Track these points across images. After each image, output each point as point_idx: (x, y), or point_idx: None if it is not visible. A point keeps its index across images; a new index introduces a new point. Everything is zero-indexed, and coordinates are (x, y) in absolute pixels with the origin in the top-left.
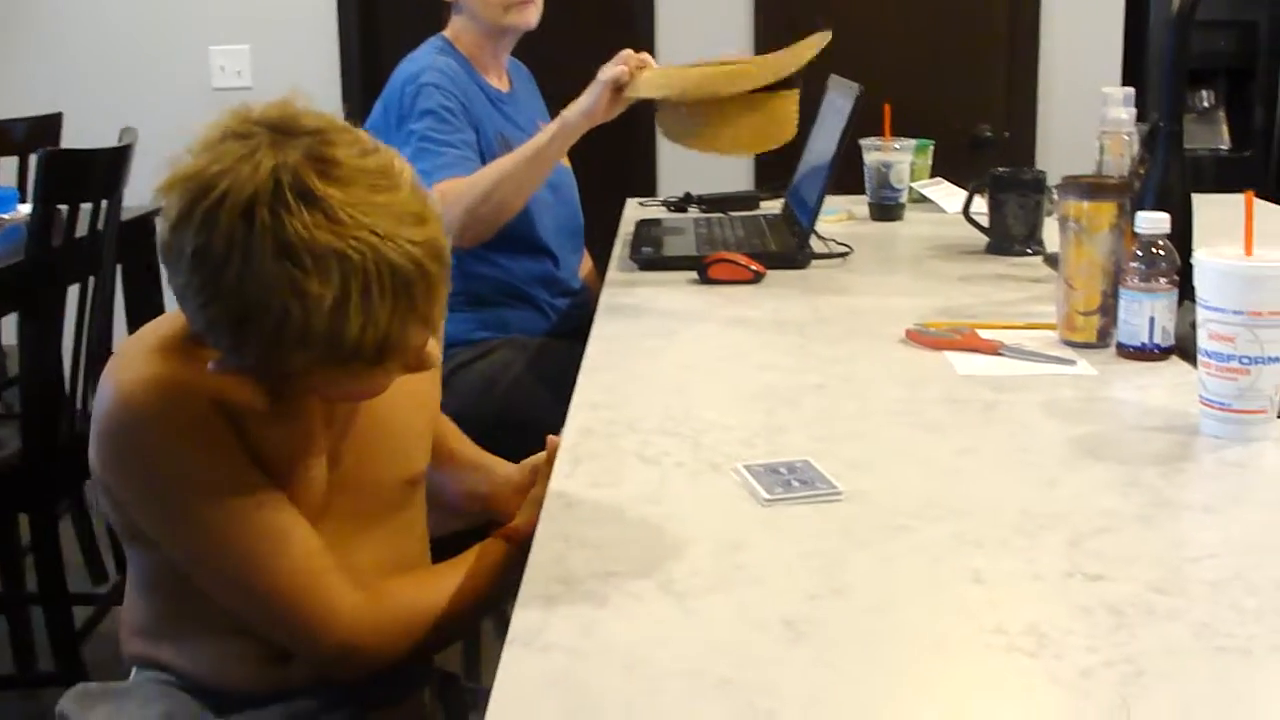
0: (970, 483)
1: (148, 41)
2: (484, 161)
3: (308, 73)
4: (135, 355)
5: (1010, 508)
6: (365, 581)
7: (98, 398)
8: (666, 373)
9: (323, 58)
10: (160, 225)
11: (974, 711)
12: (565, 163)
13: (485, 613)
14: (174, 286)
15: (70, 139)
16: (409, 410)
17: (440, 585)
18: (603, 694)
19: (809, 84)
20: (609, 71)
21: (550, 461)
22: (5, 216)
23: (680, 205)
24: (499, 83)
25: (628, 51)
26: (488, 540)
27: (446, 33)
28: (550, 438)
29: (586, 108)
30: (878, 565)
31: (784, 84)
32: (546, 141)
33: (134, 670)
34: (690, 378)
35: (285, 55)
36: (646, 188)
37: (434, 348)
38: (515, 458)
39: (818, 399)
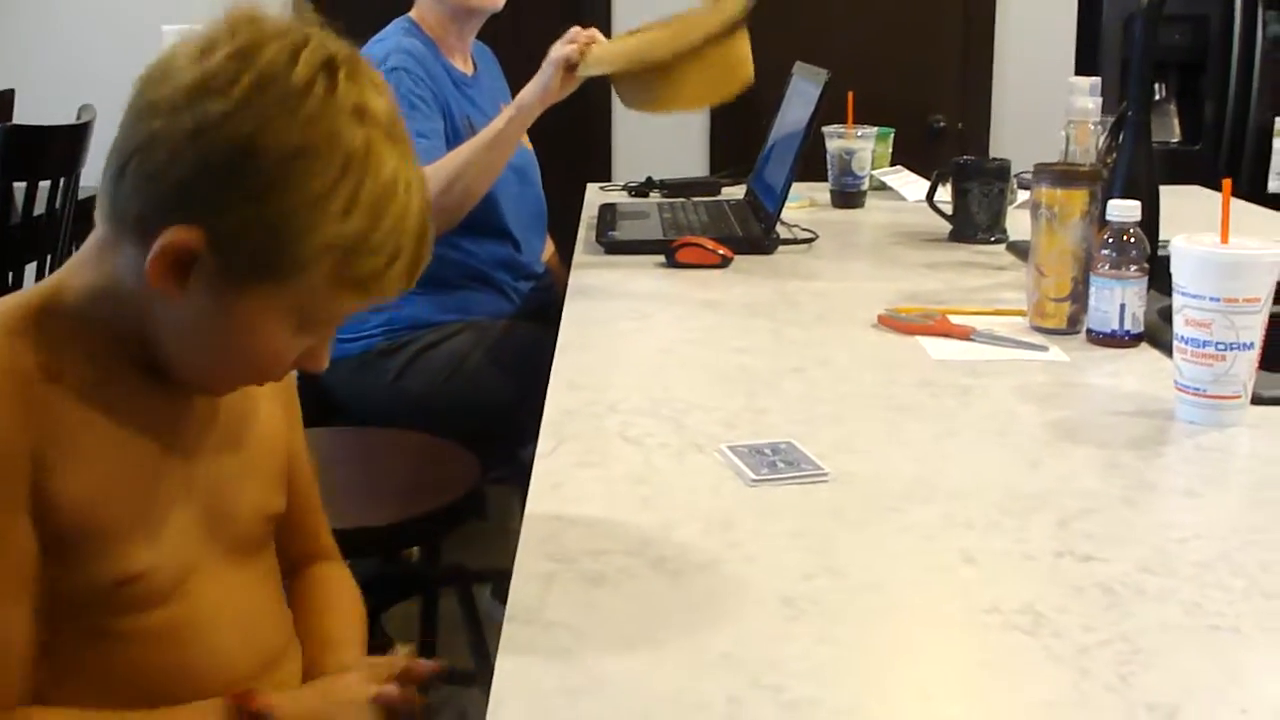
0: (954, 465)
1: (101, 21)
2: (450, 146)
3: None
4: None
5: (996, 489)
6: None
7: None
8: (642, 354)
9: None
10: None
11: (982, 687)
12: (528, 145)
13: None
14: (160, 139)
15: (24, 115)
16: (265, 443)
17: None
18: (607, 671)
19: (774, 71)
20: (559, 51)
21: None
22: None
23: (642, 190)
24: (464, 66)
25: (576, 29)
26: (207, 704)
27: (412, 14)
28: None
29: (540, 89)
30: (870, 546)
31: (730, 28)
32: (503, 126)
33: None
34: (666, 360)
35: None
36: (602, 172)
37: (326, 355)
38: (476, 440)
39: (796, 382)
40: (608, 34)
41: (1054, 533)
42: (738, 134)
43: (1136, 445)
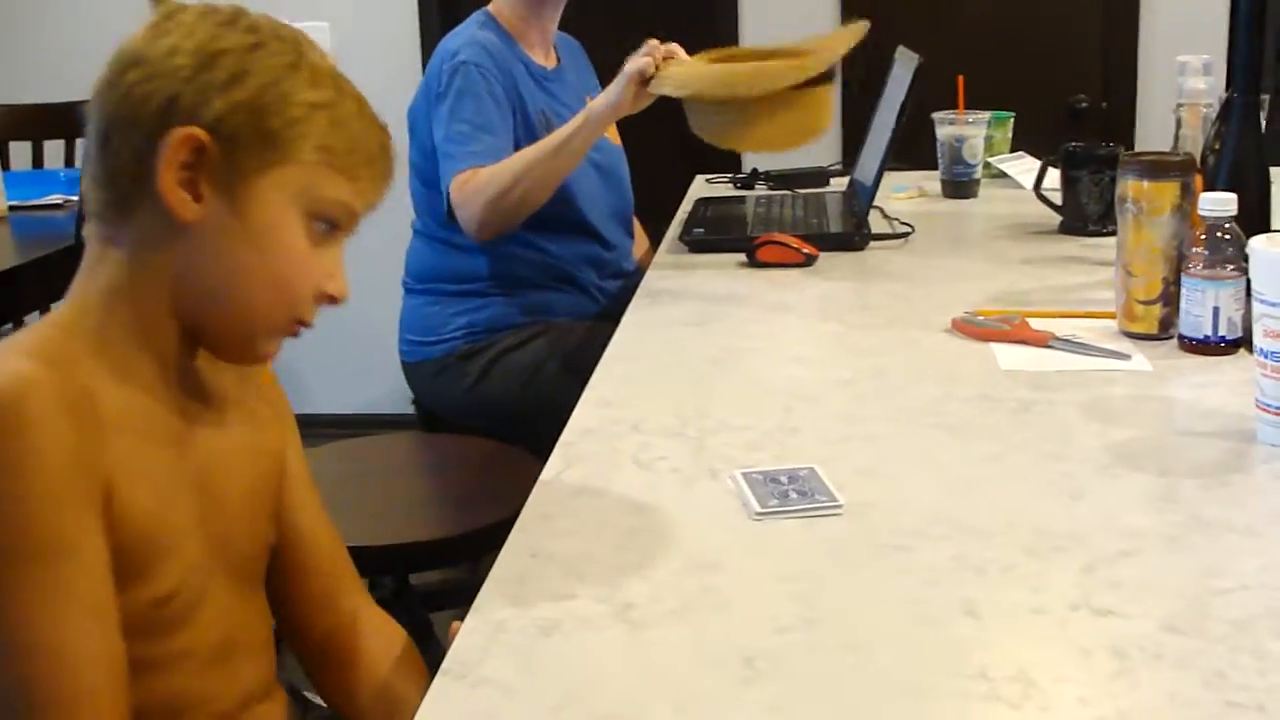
0: (985, 495)
1: None
2: (523, 143)
3: (388, 49)
4: (10, 353)
5: (1024, 526)
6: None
7: None
8: (688, 365)
9: (403, 34)
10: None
11: None
12: (616, 141)
13: None
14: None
15: None
16: (256, 472)
17: None
18: None
19: (880, 56)
20: (634, 63)
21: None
22: (58, 199)
23: (747, 182)
24: (544, 59)
25: (653, 42)
26: None
27: (490, 7)
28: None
29: (612, 100)
30: (861, 592)
31: (816, 78)
32: (570, 134)
33: None
34: (711, 371)
35: (365, 32)
36: (731, 160)
37: (343, 278)
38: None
39: (841, 396)
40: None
41: (1076, 580)
42: (868, 122)
43: (1202, 472)
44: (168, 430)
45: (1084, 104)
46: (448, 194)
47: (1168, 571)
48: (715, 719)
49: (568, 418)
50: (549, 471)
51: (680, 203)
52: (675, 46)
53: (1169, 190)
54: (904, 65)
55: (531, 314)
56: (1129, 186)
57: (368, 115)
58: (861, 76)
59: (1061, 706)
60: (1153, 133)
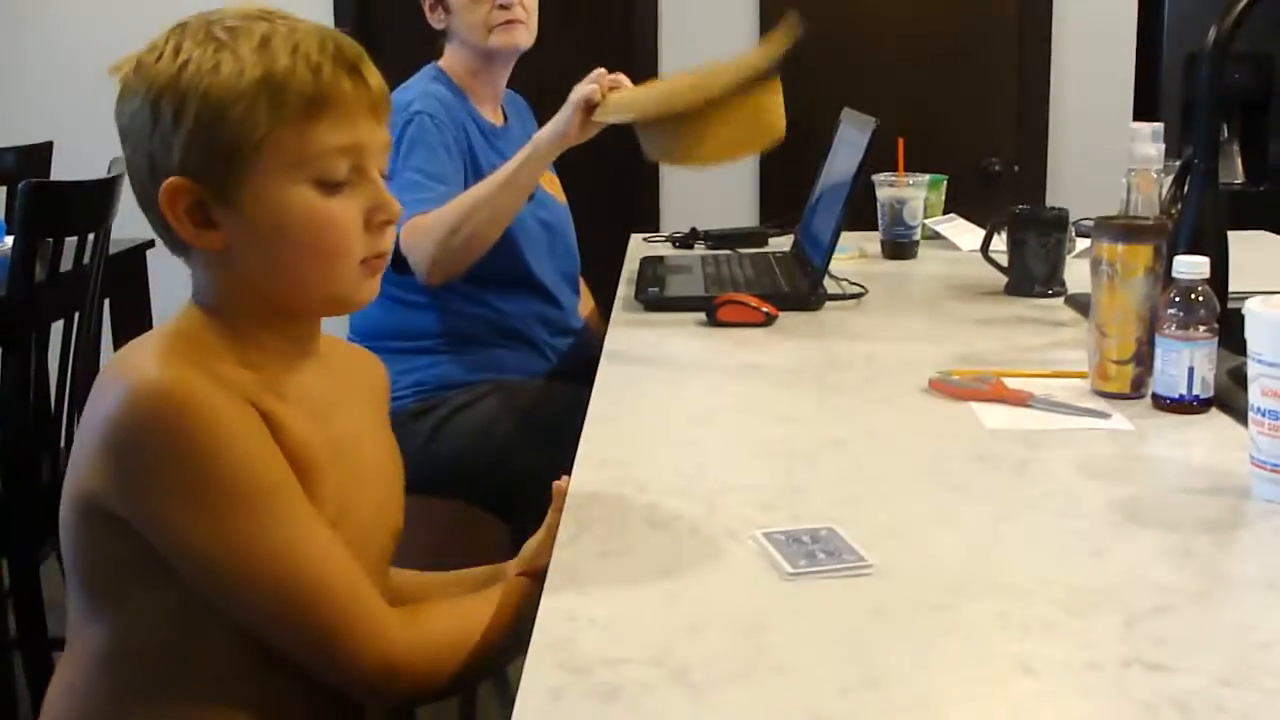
0: (1009, 553)
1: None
2: None
3: None
4: (146, 358)
5: (1056, 583)
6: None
7: (103, 412)
8: (676, 425)
9: None
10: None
11: None
12: (562, 199)
13: (515, 652)
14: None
15: (63, 167)
16: (382, 454)
17: (476, 613)
18: None
19: (826, 117)
20: (580, 91)
21: (559, 506)
22: None
23: (686, 241)
24: (493, 116)
25: (600, 71)
26: (510, 578)
27: (441, 62)
28: (556, 484)
29: (558, 130)
30: (915, 652)
31: (759, 80)
32: (516, 168)
33: None
34: (702, 432)
35: None
36: (650, 219)
37: (389, 200)
38: (509, 509)
39: (839, 456)
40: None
41: (1121, 636)
42: (788, 182)
43: (1210, 528)
44: (310, 403)
45: (997, 167)
46: (398, 240)
47: (1206, 626)
48: None
49: (521, 477)
50: (564, 535)
51: (612, 260)
52: (620, 76)
53: (1143, 253)
54: (856, 126)
55: (482, 371)
56: (1104, 249)
57: (304, 47)
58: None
59: None
60: (1062, 194)
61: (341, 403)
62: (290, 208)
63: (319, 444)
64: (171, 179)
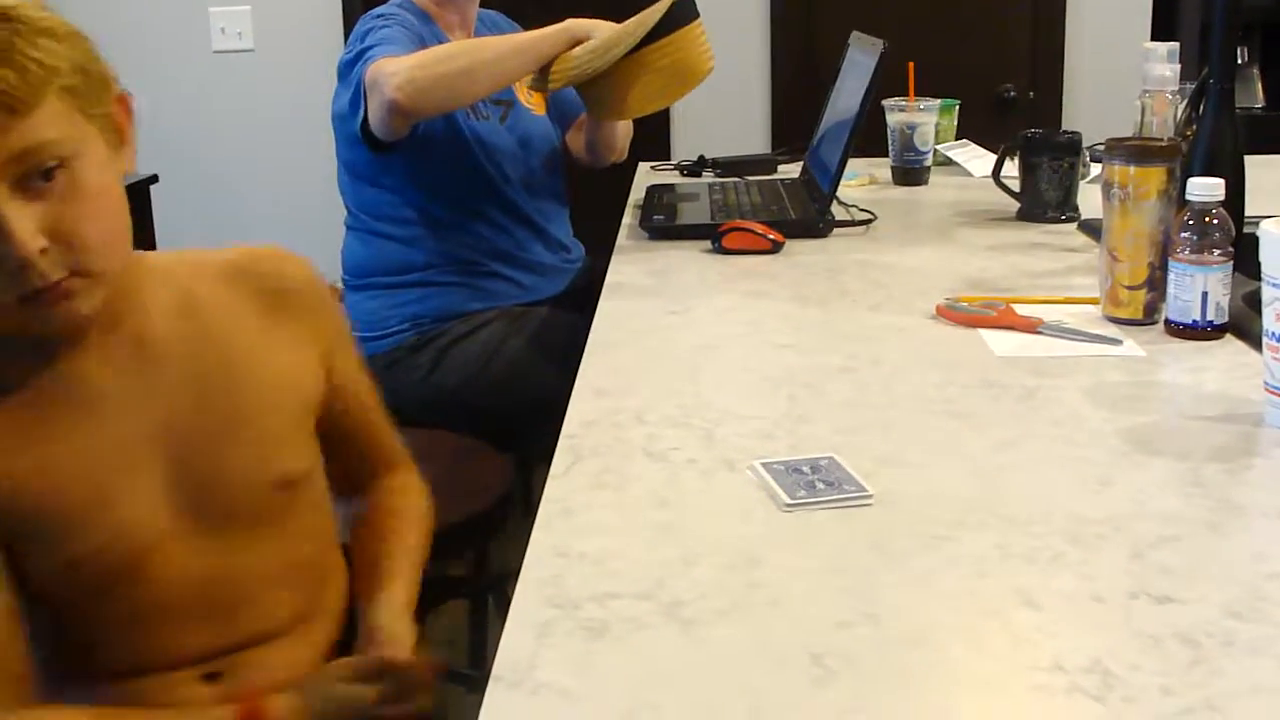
0: (1014, 483)
1: (145, 2)
2: (444, 132)
3: (310, 34)
4: None
5: (1060, 513)
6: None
7: None
8: (679, 354)
9: (325, 18)
10: None
11: None
12: (540, 111)
13: None
14: None
15: None
16: (271, 393)
17: None
18: None
19: (835, 41)
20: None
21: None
22: None
23: (694, 169)
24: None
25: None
26: (216, 710)
27: None
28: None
29: (548, 47)
30: (914, 585)
31: (673, 27)
32: (538, 38)
33: None
34: (704, 359)
35: (287, 16)
36: (660, 150)
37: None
38: (510, 440)
39: (843, 384)
40: None
41: (1127, 567)
42: (799, 108)
43: (1221, 457)
44: (88, 387)
45: (1012, 93)
46: (360, 83)
47: (1215, 556)
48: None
49: (527, 404)
50: (558, 466)
51: (620, 188)
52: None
53: (1156, 175)
54: (864, 51)
55: (479, 299)
56: (1115, 172)
57: None
58: (796, 62)
59: (1145, 697)
60: (1078, 120)
61: (138, 394)
62: None
63: (84, 465)
64: None
